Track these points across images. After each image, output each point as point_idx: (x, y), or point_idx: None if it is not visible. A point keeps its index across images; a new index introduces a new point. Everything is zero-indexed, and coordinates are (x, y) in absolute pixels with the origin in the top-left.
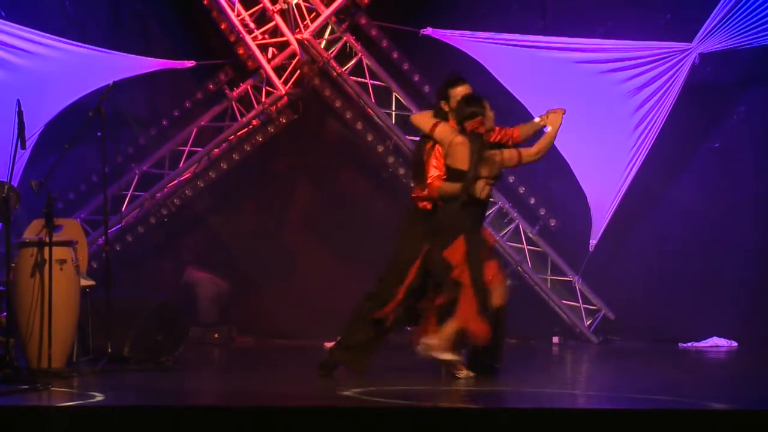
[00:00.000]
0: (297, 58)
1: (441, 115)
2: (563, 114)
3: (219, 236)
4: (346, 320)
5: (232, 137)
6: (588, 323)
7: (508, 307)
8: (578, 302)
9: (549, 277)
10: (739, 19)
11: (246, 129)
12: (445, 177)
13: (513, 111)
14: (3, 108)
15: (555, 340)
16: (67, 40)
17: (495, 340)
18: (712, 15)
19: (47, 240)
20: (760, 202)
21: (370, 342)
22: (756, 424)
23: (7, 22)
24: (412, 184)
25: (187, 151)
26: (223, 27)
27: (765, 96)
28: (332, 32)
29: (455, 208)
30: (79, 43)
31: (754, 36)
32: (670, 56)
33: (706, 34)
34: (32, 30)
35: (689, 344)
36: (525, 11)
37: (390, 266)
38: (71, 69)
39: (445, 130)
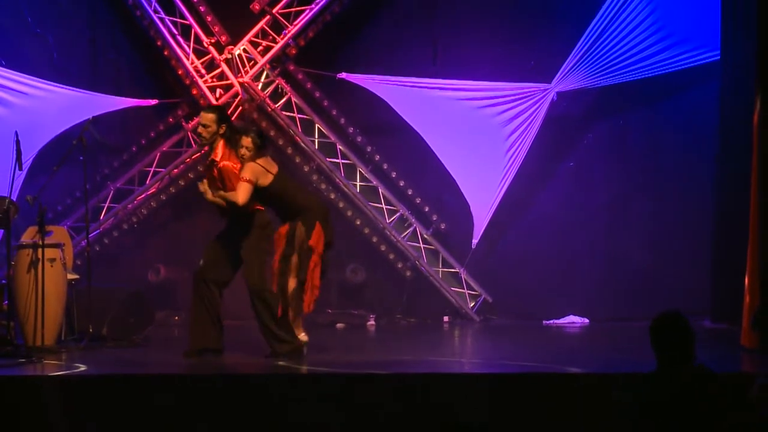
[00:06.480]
0: (239, 97)
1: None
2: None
3: (178, 238)
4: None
5: (188, 160)
6: (471, 305)
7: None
8: (463, 289)
9: (440, 269)
10: (586, 65)
11: (199, 153)
12: None
13: (417, 143)
14: (3, 138)
15: (445, 319)
16: (55, 83)
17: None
18: (566, 62)
19: (40, 243)
20: (604, 208)
21: None
22: (601, 384)
23: (6, 69)
24: None
25: (152, 171)
26: (180, 72)
27: (607, 126)
28: (267, 76)
29: None
30: (65, 86)
31: (598, 79)
32: (534, 94)
33: (562, 77)
34: (27, 75)
35: (551, 321)
36: (419, 59)
37: None
38: (58, 106)
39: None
